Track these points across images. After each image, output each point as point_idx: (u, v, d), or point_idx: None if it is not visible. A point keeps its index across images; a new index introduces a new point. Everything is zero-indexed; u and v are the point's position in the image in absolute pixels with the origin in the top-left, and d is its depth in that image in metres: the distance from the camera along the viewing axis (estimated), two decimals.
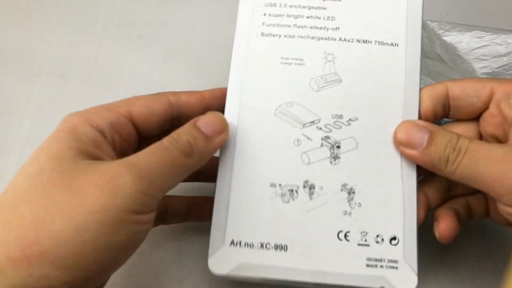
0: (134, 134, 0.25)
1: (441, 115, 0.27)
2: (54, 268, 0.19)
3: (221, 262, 0.25)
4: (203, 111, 0.26)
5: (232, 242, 0.25)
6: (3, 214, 0.20)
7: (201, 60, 0.42)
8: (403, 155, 0.26)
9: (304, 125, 0.27)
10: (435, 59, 0.37)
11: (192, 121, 0.25)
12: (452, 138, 0.24)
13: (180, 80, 0.41)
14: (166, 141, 0.23)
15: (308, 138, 0.27)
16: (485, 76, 0.35)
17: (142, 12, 0.46)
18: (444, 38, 0.36)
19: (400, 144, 0.26)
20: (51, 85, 0.41)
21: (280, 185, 0.26)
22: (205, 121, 0.24)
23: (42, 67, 0.42)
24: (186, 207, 0.30)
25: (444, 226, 0.26)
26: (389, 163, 0.26)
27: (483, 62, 0.35)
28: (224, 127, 0.25)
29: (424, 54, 0.38)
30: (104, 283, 0.25)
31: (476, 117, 0.27)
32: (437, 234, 0.26)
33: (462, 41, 0.36)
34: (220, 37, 0.40)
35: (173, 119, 0.26)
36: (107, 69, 0.42)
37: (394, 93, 0.27)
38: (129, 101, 0.25)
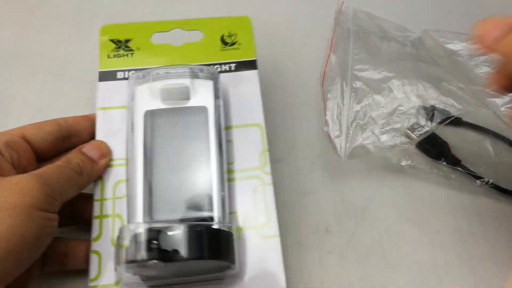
0: (30, 152, 0.29)
1: None
2: None
3: None
4: (90, 128, 0.31)
5: None
6: None
7: None
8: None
9: None
10: (435, 64, 0.38)
11: (77, 148, 0.29)
12: None
13: None
14: (60, 162, 0.27)
15: None
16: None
17: (140, 11, 0.45)
18: (446, 46, 0.37)
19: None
20: (48, 84, 0.40)
21: None
22: (89, 147, 0.29)
23: (39, 66, 0.41)
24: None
25: None
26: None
27: (484, 68, 0.35)
28: (106, 152, 0.30)
29: (421, 60, 0.38)
30: (27, 281, 0.27)
31: None
32: None
33: (463, 48, 0.36)
34: None
35: (65, 138, 0.30)
36: None
37: None
38: (22, 126, 0.29)
